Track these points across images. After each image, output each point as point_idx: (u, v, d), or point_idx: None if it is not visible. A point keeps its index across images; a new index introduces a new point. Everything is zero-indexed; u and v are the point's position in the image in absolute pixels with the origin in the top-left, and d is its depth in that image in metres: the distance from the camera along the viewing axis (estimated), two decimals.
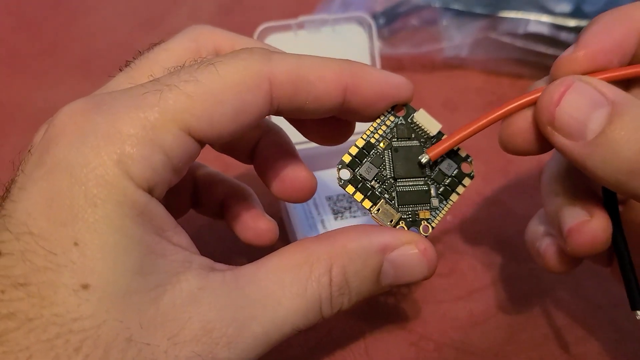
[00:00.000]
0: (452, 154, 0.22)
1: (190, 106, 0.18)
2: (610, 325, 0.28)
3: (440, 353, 0.27)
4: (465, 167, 0.23)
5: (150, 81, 0.19)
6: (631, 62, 0.21)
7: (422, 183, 0.22)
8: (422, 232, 0.22)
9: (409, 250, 0.21)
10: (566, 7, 0.39)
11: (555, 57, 0.41)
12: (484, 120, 0.21)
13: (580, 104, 0.19)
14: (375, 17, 0.42)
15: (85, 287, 0.16)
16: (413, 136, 0.22)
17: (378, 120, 0.22)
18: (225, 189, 0.26)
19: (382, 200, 0.22)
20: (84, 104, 0.18)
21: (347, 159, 0.21)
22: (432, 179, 0.22)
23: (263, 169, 0.24)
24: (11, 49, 0.45)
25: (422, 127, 0.22)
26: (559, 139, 0.19)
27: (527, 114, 0.21)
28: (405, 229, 0.22)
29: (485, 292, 0.29)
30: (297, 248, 0.20)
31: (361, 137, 0.22)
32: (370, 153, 0.22)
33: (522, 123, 0.21)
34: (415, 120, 0.22)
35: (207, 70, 0.19)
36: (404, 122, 0.22)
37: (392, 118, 0.22)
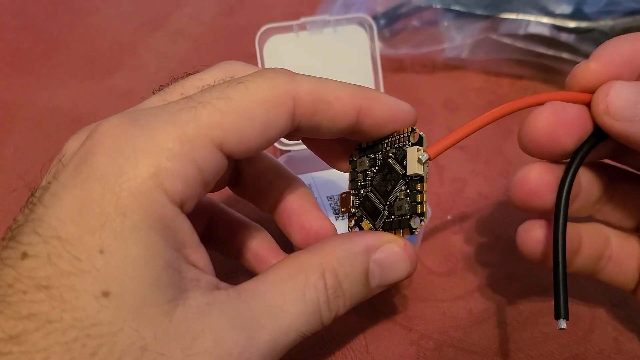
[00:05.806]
0: (413, 203, 0.21)
1: (222, 122, 0.19)
2: (609, 325, 0.28)
3: (440, 352, 0.27)
4: (414, 222, 0.21)
5: (184, 98, 0.20)
6: None
7: (382, 203, 0.23)
8: None
9: (390, 248, 0.22)
10: (566, 9, 0.39)
11: (555, 58, 0.42)
12: (480, 122, 0.21)
13: (627, 92, 0.21)
14: (376, 18, 0.42)
15: (105, 294, 0.17)
16: (404, 163, 0.22)
17: (397, 133, 0.22)
18: (240, 226, 0.26)
19: (353, 191, 0.24)
20: (122, 118, 0.19)
21: (363, 145, 0.24)
22: (389, 206, 0.22)
23: (284, 220, 0.25)
24: (14, 49, 0.45)
25: (406, 161, 0.22)
26: (613, 123, 0.21)
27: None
28: (351, 222, 0.24)
29: (484, 291, 0.30)
30: (290, 261, 0.21)
31: (382, 139, 0.23)
32: (375, 153, 0.23)
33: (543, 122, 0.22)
34: (406, 153, 0.22)
35: (237, 88, 0.19)
36: (407, 147, 0.22)
37: (405, 139, 0.22)
